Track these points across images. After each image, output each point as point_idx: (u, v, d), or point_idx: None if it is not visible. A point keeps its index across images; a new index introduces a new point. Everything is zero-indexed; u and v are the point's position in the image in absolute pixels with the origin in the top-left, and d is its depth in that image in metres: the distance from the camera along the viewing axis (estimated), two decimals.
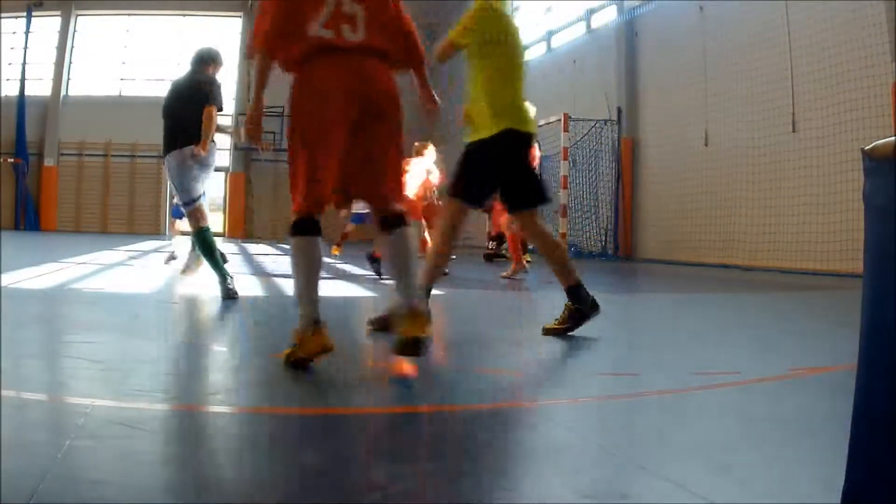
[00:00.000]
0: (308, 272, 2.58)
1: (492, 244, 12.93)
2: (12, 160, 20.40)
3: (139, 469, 1.56)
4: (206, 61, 5.08)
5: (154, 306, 4.76)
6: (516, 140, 3.50)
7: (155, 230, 21.75)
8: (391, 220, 2.65)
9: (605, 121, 14.04)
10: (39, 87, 21.37)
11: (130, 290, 5.75)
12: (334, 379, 2.49)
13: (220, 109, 5.01)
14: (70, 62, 21.90)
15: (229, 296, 4.75)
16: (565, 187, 12.97)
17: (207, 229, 4.98)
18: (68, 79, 21.81)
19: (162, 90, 5.13)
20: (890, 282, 1.11)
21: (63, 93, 21.58)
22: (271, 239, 19.16)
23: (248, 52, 2.67)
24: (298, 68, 2.59)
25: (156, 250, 12.15)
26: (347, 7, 2.56)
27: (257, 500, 1.41)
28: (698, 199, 11.89)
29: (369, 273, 7.61)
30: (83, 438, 1.71)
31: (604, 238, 14.10)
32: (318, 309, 2.56)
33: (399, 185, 2.72)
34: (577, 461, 1.71)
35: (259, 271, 8.38)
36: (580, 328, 3.61)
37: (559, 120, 13.00)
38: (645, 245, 13.61)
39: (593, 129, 14.10)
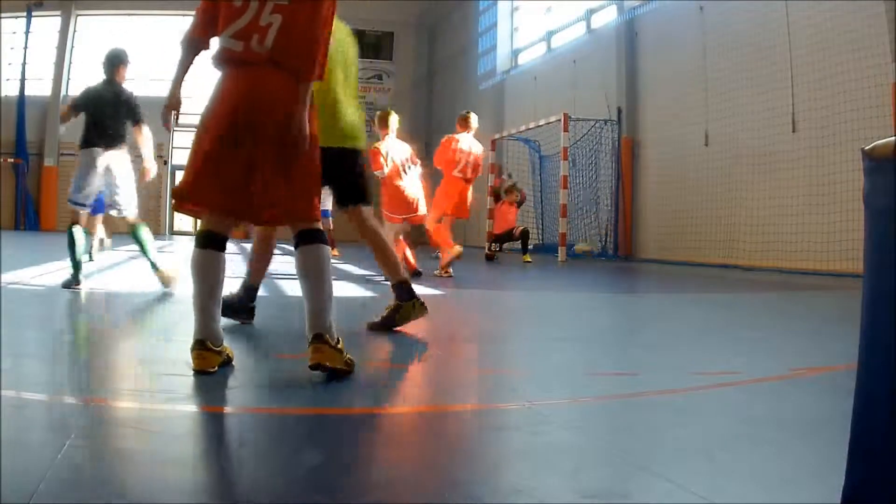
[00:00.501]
0: (200, 287, 2.53)
1: (495, 245, 12.95)
2: (12, 160, 20.40)
3: (139, 469, 1.56)
4: (116, 63, 5.39)
5: (154, 306, 4.76)
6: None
7: (155, 230, 21.77)
8: (302, 236, 2.56)
9: (605, 121, 14.04)
10: (39, 87, 21.37)
11: (131, 290, 5.75)
12: (333, 379, 2.49)
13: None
14: (70, 62, 21.89)
15: (66, 285, 5.11)
16: (565, 187, 12.97)
17: (71, 228, 5.31)
18: (68, 79, 21.79)
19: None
20: (890, 282, 1.11)
21: (63, 93, 21.55)
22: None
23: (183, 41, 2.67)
24: (218, 71, 2.62)
25: (156, 250, 12.14)
26: (265, 18, 2.51)
27: (257, 500, 1.41)
28: (698, 199, 11.89)
29: (370, 273, 7.61)
30: (83, 438, 1.71)
31: (604, 238, 14.10)
32: (206, 328, 2.49)
33: (310, 201, 2.58)
34: (577, 461, 1.71)
35: None
36: (408, 326, 3.80)
37: (559, 120, 13.00)
38: (645, 245, 13.60)
39: (593, 129, 14.10)
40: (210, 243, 2.57)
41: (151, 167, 5.44)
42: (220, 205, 2.56)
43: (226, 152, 2.50)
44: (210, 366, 2.48)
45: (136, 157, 5.46)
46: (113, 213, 5.43)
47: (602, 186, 14.27)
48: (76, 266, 5.15)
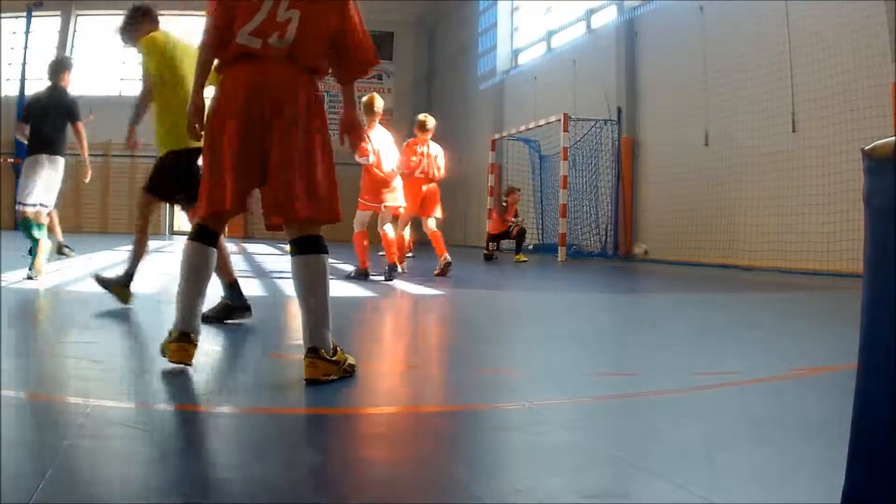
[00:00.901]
0: (191, 280, 2.52)
1: (492, 245, 12.95)
2: (12, 160, 20.39)
3: (139, 469, 1.56)
4: (59, 70, 5.95)
5: (154, 306, 4.75)
6: (178, 157, 4.03)
7: (155, 230, 21.78)
8: (300, 243, 2.49)
9: (605, 121, 14.04)
10: (39, 87, 21.32)
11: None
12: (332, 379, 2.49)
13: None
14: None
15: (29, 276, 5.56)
16: (565, 187, 12.97)
17: (27, 219, 5.80)
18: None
19: None
20: (890, 282, 1.11)
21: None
22: (271, 239, 19.17)
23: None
24: (224, 71, 2.56)
25: (156, 250, 12.15)
26: (282, 14, 2.46)
27: (257, 501, 1.41)
28: (698, 199, 11.89)
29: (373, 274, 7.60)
30: (83, 438, 1.71)
31: (604, 238, 14.10)
32: (192, 321, 2.49)
33: (328, 201, 2.51)
34: (577, 461, 1.71)
35: (259, 271, 8.38)
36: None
37: (559, 120, 13.00)
38: (645, 245, 13.60)
39: (593, 129, 14.10)
40: (205, 238, 2.56)
41: (89, 169, 6.16)
42: (240, 207, 2.51)
43: (243, 150, 2.45)
44: (190, 358, 2.48)
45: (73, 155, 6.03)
46: (38, 208, 5.88)
47: (602, 186, 14.27)
48: (34, 242, 5.55)
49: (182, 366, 2.50)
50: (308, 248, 2.49)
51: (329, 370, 2.41)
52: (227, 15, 2.51)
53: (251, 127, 2.45)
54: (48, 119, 5.75)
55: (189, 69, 4.00)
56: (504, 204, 12.91)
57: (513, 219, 12.77)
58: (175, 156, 4.02)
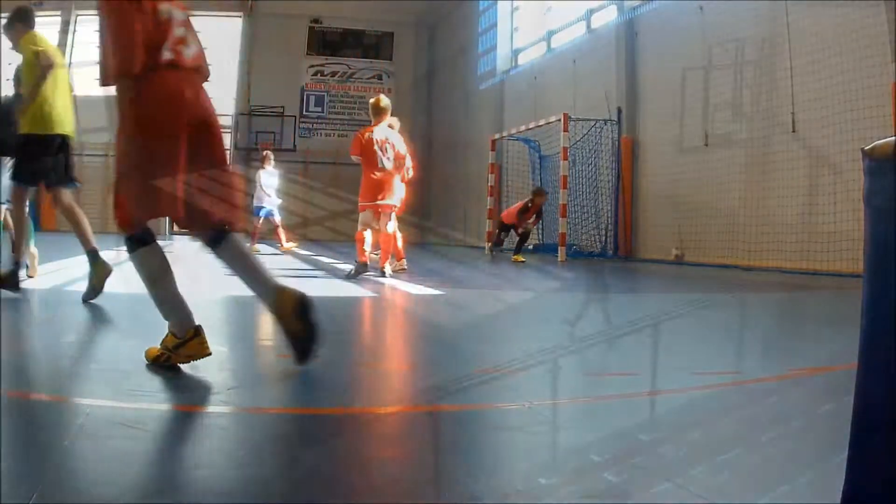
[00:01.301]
0: (166, 279, 2.60)
1: (503, 234, 12.94)
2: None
3: (139, 469, 1.56)
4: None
5: (153, 305, 4.76)
6: (39, 140, 4.70)
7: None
8: (215, 236, 2.64)
9: (605, 121, 14.03)
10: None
11: (130, 290, 5.75)
12: (333, 379, 2.49)
13: None
14: (70, 62, 21.85)
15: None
16: (565, 187, 12.96)
17: None
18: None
19: None
20: (890, 282, 1.11)
21: None
22: (271, 239, 19.15)
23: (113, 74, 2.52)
24: (147, 80, 2.52)
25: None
26: (179, 31, 2.63)
27: (257, 500, 1.41)
28: (698, 198, 11.88)
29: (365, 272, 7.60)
30: (83, 438, 1.71)
31: (604, 238, 14.10)
32: (189, 316, 2.57)
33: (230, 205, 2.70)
34: (577, 461, 1.71)
35: None
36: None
37: (559, 120, 13.00)
38: (645, 245, 13.60)
39: (593, 129, 14.10)
40: (145, 241, 2.61)
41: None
42: (172, 213, 2.61)
43: (180, 157, 2.54)
44: (209, 348, 2.54)
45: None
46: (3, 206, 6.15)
47: (602, 186, 14.27)
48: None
49: (181, 365, 2.50)
50: (226, 233, 2.65)
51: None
52: (152, 28, 2.52)
53: (184, 135, 2.55)
54: (10, 126, 5.91)
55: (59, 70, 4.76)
56: (528, 204, 12.61)
57: (527, 222, 12.59)
58: (37, 139, 4.63)
